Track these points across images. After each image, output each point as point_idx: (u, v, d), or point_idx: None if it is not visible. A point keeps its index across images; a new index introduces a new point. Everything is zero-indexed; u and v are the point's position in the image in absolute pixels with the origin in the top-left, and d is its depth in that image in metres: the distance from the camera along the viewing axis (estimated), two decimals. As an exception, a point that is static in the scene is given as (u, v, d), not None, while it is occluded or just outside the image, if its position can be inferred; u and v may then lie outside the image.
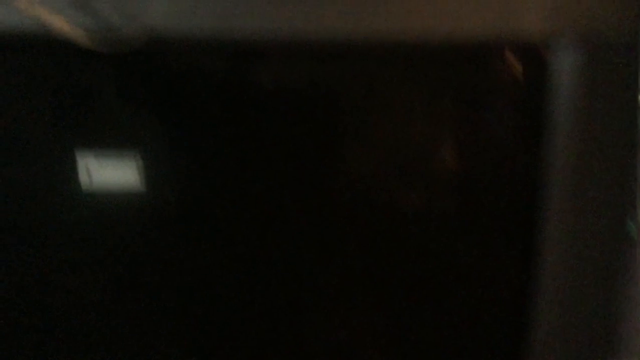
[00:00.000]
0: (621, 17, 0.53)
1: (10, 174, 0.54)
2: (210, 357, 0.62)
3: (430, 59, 0.56)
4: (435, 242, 0.61)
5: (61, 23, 0.47)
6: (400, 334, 0.63)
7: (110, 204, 0.55)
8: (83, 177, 0.53)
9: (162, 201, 0.56)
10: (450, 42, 0.53)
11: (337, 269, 0.61)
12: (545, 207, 0.58)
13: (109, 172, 0.53)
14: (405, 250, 0.60)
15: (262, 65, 0.55)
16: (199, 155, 0.56)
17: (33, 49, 0.51)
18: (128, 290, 0.58)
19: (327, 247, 0.60)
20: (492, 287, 0.62)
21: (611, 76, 0.55)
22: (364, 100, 0.57)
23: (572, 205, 0.57)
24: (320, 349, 0.62)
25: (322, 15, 0.51)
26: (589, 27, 0.54)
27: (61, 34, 0.47)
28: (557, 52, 0.55)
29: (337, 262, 0.60)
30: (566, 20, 0.54)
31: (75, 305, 0.58)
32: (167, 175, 0.56)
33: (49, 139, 0.54)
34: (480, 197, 0.60)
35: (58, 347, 0.59)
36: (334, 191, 0.59)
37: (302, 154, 0.58)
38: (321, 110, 0.57)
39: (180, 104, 0.55)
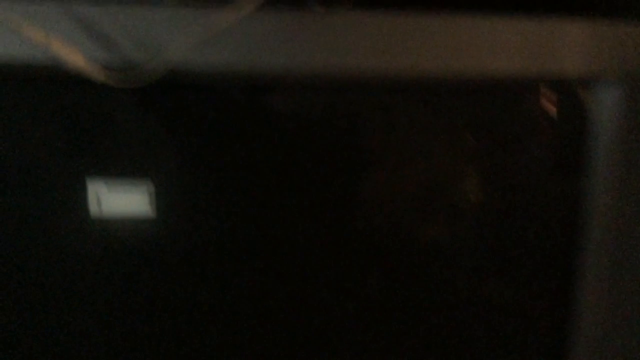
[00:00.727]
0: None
1: (22, 202, 0.54)
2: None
3: (463, 95, 0.56)
4: (464, 278, 0.60)
5: (78, 58, 0.46)
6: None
7: (120, 233, 0.55)
8: (94, 206, 0.53)
9: (174, 231, 0.56)
10: (486, 78, 0.53)
11: (356, 303, 0.60)
12: (585, 246, 0.57)
13: (120, 201, 0.53)
14: (433, 285, 0.60)
15: (279, 98, 0.55)
16: (212, 186, 0.56)
17: (47, 80, 0.51)
18: (137, 320, 0.58)
19: (345, 281, 0.59)
20: (524, 328, 0.61)
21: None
22: (393, 135, 0.57)
23: (613, 242, 0.57)
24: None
25: (345, 51, 0.52)
26: (630, 65, 0.53)
27: (77, 70, 0.46)
28: (597, 90, 0.54)
29: (357, 296, 0.60)
30: (607, 59, 0.53)
31: (83, 334, 0.57)
32: (179, 205, 0.56)
33: (60, 167, 0.54)
34: (512, 233, 0.59)
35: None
36: (354, 224, 0.58)
37: (321, 188, 0.57)
38: (342, 143, 0.57)
39: (195, 135, 0.55)
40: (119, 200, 0.53)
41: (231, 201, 0.56)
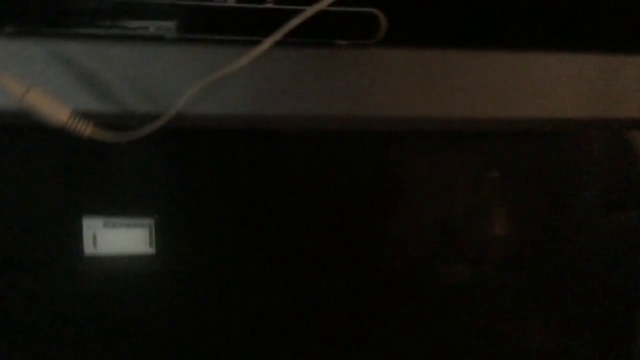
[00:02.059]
0: None
1: (22, 243, 0.51)
2: None
3: (506, 136, 0.53)
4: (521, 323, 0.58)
5: (61, 112, 0.37)
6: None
7: (118, 272, 0.52)
8: (91, 245, 0.51)
9: (172, 271, 0.53)
10: (534, 119, 0.49)
11: (379, 343, 0.57)
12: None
13: (118, 241, 0.51)
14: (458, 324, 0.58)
15: (298, 137, 0.51)
16: (211, 229, 0.53)
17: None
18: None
19: (366, 322, 0.56)
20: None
21: None
22: (431, 177, 0.54)
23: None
24: None
25: (373, 89, 0.46)
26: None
27: (58, 126, 0.39)
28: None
29: (379, 337, 0.57)
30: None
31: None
32: (177, 245, 0.52)
33: (58, 207, 0.50)
34: (567, 277, 0.58)
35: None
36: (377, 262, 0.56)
37: (330, 228, 0.54)
38: (365, 187, 0.54)
39: (194, 179, 0.51)
40: (116, 239, 0.51)
41: (232, 247, 0.52)
